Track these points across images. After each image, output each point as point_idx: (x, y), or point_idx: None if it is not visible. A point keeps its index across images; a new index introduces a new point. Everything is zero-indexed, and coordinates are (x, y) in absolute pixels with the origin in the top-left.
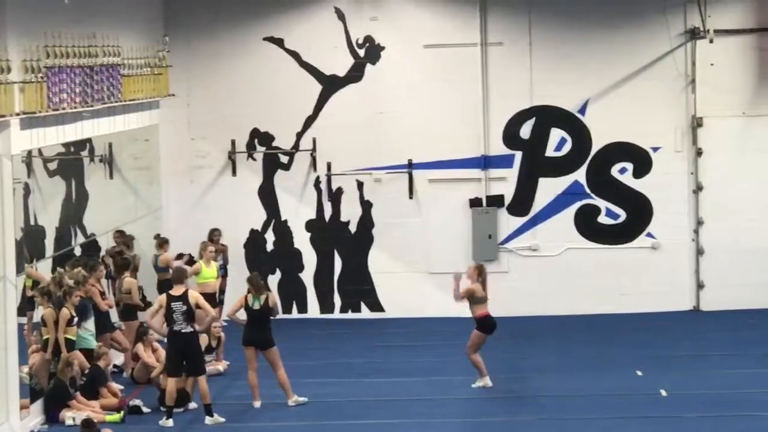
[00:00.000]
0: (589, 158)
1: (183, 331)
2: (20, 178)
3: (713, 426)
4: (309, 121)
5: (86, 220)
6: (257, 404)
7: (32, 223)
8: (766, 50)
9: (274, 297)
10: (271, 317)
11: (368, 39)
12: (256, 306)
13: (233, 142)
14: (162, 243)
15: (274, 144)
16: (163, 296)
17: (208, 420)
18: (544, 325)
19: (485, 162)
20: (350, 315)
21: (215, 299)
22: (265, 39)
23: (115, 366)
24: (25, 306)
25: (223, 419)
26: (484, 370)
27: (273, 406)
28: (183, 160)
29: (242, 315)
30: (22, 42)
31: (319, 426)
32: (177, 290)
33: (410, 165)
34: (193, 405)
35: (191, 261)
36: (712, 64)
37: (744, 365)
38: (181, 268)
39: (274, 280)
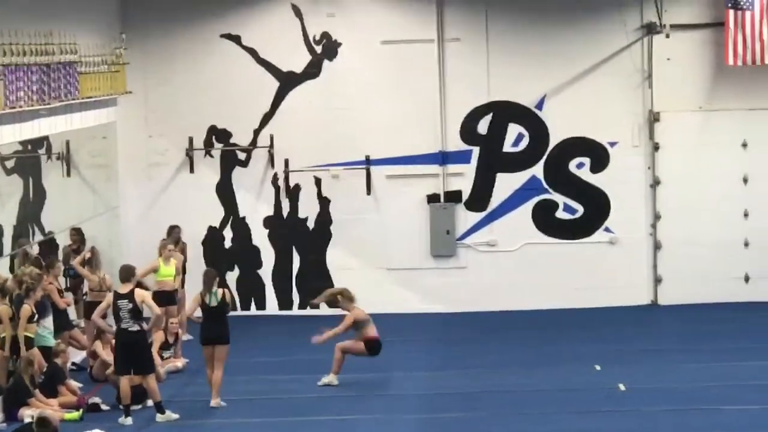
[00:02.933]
0: (547, 153)
1: (130, 329)
2: None
3: (671, 420)
4: (266, 118)
5: (44, 218)
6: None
7: None
8: (722, 45)
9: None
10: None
11: (325, 35)
12: (213, 303)
13: (191, 140)
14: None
15: (232, 141)
16: (110, 294)
17: (159, 417)
18: (502, 321)
19: (443, 158)
20: (309, 311)
21: (174, 297)
22: (222, 36)
23: (74, 364)
24: None
25: (176, 416)
26: (338, 369)
27: (232, 402)
28: (141, 158)
29: (198, 313)
30: None
31: (278, 422)
32: (123, 288)
33: (368, 161)
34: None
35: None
36: (668, 59)
37: (702, 359)
38: (127, 267)
39: (232, 276)
